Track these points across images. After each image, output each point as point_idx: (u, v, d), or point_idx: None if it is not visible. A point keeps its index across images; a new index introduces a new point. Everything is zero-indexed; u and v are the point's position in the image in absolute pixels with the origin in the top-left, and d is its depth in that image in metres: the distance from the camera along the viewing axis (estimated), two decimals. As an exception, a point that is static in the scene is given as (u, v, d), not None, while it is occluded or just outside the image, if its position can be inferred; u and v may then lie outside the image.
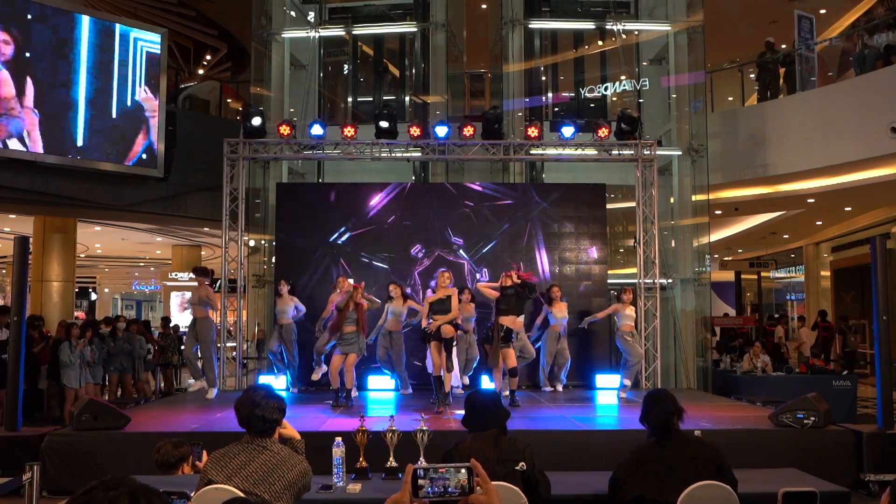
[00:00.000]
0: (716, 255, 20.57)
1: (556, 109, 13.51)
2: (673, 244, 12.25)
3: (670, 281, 11.75)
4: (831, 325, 16.14)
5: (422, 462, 4.16)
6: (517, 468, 3.48)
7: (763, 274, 22.25)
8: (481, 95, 15.89)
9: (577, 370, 10.31)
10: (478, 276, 10.59)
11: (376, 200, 10.83)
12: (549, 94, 13.54)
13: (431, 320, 8.27)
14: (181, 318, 21.17)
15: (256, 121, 10.54)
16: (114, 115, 12.00)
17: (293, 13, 13.09)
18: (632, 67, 12.92)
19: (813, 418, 6.60)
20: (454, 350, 8.56)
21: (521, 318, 8.83)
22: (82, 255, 21.93)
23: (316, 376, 9.30)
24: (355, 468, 4.70)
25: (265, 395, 3.19)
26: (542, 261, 10.82)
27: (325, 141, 10.78)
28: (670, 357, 11.47)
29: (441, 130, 10.42)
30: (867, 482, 6.38)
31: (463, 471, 1.61)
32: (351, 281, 9.07)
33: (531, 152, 11.10)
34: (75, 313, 15.18)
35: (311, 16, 13.41)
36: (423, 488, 1.59)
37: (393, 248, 10.76)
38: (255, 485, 2.99)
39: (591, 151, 10.92)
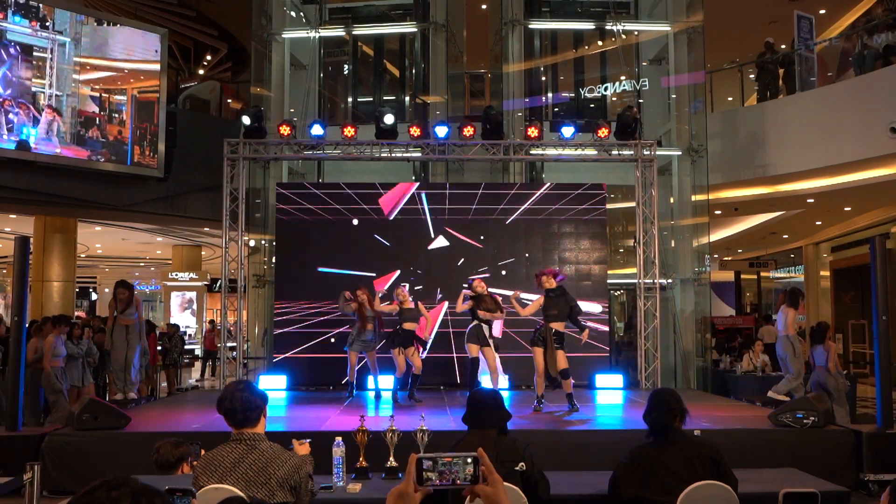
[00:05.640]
0: (715, 255, 20.55)
1: (556, 109, 13.51)
2: (673, 244, 12.25)
3: (670, 281, 11.75)
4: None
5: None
6: (517, 469, 3.48)
7: (763, 274, 22.27)
8: (481, 95, 15.86)
9: (577, 370, 10.27)
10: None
11: (378, 200, 10.83)
12: (549, 94, 13.54)
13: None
14: (181, 318, 21.22)
15: (256, 121, 10.55)
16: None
17: (293, 13, 13.09)
18: (631, 67, 12.92)
19: (813, 418, 6.60)
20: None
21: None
22: (82, 255, 21.92)
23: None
24: (355, 468, 4.71)
25: (244, 383, 3.30)
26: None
27: (325, 141, 10.78)
28: (670, 357, 11.47)
29: (441, 130, 10.42)
30: (867, 482, 6.38)
31: (469, 460, 1.60)
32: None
33: (531, 152, 11.11)
34: (76, 313, 15.17)
35: (312, 16, 13.41)
36: (429, 480, 1.58)
37: (394, 251, 10.76)
38: (248, 485, 2.98)
39: (591, 151, 10.92)
